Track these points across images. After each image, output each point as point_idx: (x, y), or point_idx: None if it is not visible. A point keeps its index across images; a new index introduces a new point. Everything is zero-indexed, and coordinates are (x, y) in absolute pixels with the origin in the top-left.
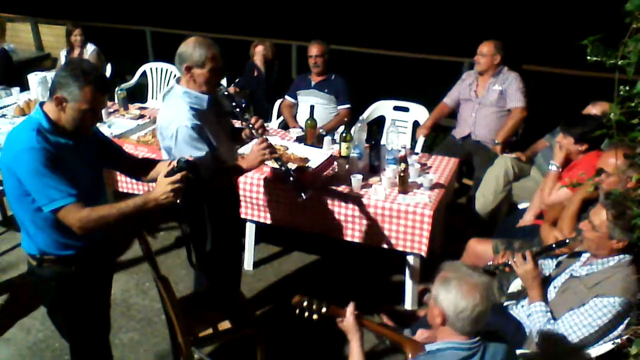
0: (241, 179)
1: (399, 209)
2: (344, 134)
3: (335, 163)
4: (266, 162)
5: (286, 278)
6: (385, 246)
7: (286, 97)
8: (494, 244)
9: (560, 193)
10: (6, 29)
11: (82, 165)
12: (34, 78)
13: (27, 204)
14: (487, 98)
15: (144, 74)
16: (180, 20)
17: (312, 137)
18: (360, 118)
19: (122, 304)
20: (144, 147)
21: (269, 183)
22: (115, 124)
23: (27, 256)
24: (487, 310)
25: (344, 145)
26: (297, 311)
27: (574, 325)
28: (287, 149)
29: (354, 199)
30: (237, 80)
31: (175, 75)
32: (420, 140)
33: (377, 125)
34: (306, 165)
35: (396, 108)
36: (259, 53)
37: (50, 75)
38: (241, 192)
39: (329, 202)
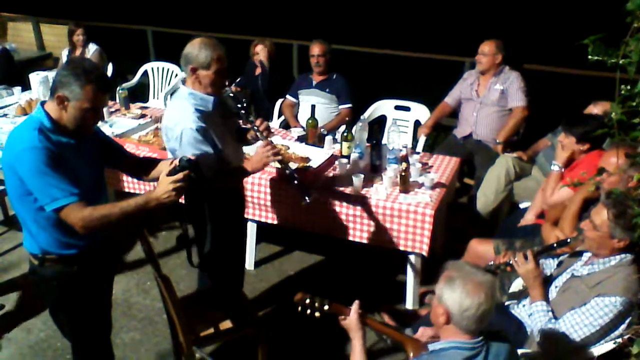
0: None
1: (400, 208)
2: (345, 134)
3: (337, 163)
4: (271, 164)
5: (287, 278)
6: (386, 246)
7: (287, 96)
8: (495, 244)
9: (562, 193)
10: (8, 29)
11: (84, 164)
12: (35, 77)
13: (29, 203)
14: (488, 97)
15: (145, 73)
16: (181, 20)
17: (314, 136)
18: (362, 117)
19: (124, 304)
20: (145, 147)
21: (270, 183)
22: (116, 124)
23: (28, 255)
24: (491, 309)
25: (345, 144)
26: (300, 308)
27: (575, 325)
28: (288, 148)
29: (355, 198)
30: (237, 80)
31: (176, 75)
32: (422, 140)
33: (378, 125)
34: (307, 165)
35: (397, 107)
36: (259, 52)
37: (51, 74)
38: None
39: (330, 202)
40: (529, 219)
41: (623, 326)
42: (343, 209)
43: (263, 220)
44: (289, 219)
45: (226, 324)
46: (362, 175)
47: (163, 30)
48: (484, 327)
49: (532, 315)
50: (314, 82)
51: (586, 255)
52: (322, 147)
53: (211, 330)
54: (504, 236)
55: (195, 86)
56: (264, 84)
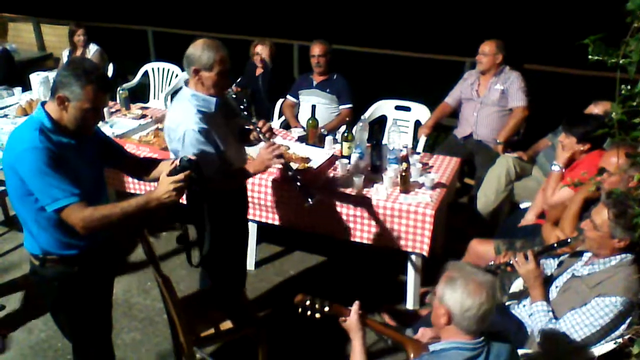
0: None
1: (401, 208)
2: (345, 134)
3: (337, 163)
4: (273, 166)
5: (288, 278)
6: (387, 246)
7: (288, 96)
8: (496, 244)
9: (563, 193)
10: (8, 29)
11: (84, 164)
12: (36, 78)
13: (29, 203)
14: (488, 97)
15: (145, 73)
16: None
17: (314, 136)
18: (362, 117)
19: (124, 304)
20: (146, 147)
21: (272, 183)
22: (117, 124)
23: (29, 256)
24: (492, 309)
25: (345, 144)
26: (300, 310)
27: (576, 325)
28: (289, 148)
29: (356, 198)
30: (238, 80)
31: (177, 75)
32: (422, 140)
33: (378, 125)
34: (308, 165)
35: (398, 107)
36: (259, 52)
37: (52, 75)
38: None
39: (331, 202)
40: (529, 219)
41: (623, 326)
42: (343, 210)
43: (264, 220)
44: (290, 219)
45: (226, 325)
46: (363, 176)
47: (163, 31)
48: (485, 328)
49: (533, 315)
50: (315, 83)
51: (586, 255)
52: (323, 147)
53: (212, 331)
54: (504, 236)
55: (197, 87)
56: (265, 84)
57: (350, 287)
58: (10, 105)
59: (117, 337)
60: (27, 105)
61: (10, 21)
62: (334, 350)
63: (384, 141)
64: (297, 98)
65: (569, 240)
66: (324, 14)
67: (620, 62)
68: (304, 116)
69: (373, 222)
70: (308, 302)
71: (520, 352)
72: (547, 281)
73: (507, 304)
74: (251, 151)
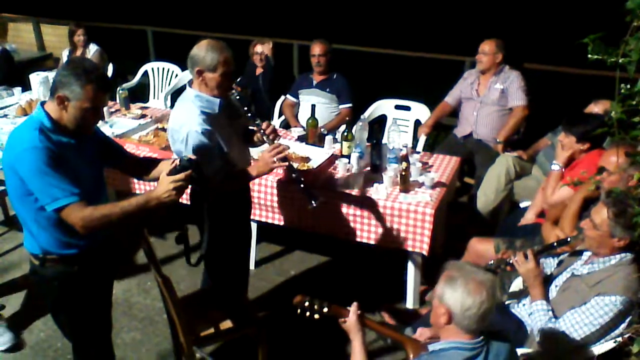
0: None
1: (401, 207)
2: (345, 133)
3: (337, 162)
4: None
5: (288, 277)
6: (387, 245)
7: (288, 96)
8: (496, 243)
9: (563, 192)
10: (8, 29)
11: (84, 164)
12: (35, 78)
13: (29, 203)
14: (488, 97)
15: (145, 73)
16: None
17: (314, 136)
18: (362, 117)
19: (124, 304)
20: (146, 147)
21: (272, 183)
22: (116, 124)
23: (29, 256)
24: (492, 308)
25: (345, 144)
26: (299, 311)
27: (576, 324)
28: (289, 148)
29: (356, 198)
30: (238, 80)
31: (176, 75)
32: (422, 139)
33: (378, 124)
34: (308, 165)
35: (398, 107)
36: (258, 52)
37: (52, 75)
38: None
39: (331, 202)
40: (529, 218)
41: (623, 325)
42: (343, 209)
43: (263, 220)
44: (291, 219)
45: (226, 324)
46: (363, 175)
47: (163, 31)
48: (485, 327)
49: (533, 314)
50: (315, 82)
51: (586, 254)
52: (323, 146)
53: (211, 330)
54: (504, 235)
55: (201, 88)
56: (266, 83)
57: (351, 286)
58: (10, 105)
59: (117, 336)
60: (26, 105)
61: (10, 21)
62: (334, 350)
63: (384, 140)
64: (297, 97)
65: (568, 239)
66: (324, 14)
67: (620, 61)
68: (303, 116)
69: (373, 222)
70: (307, 303)
71: (520, 351)
72: (547, 280)
73: (506, 303)
74: (254, 151)
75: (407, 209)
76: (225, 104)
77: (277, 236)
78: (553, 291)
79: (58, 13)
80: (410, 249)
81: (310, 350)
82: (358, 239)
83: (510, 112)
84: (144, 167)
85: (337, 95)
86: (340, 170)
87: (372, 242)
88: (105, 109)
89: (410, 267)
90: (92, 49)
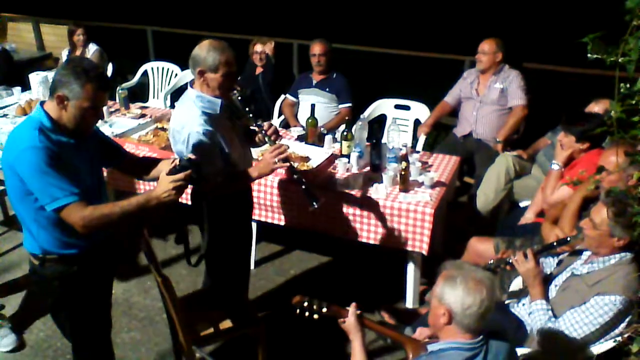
0: None
1: (400, 207)
2: (345, 133)
3: (336, 162)
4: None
5: (287, 277)
6: (386, 244)
7: (287, 95)
8: (495, 243)
9: (562, 191)
10: (8, 29)
11: (84, 164)
12: (35, 78)
13: (29, 203)
14: (488, 96)
15: (145, 73)
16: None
17: (313, 136)
18: (361, 116)
19: (124, 304)
20: (145, 147)
21: (271, 183)
22: (116, 123)
23: (29, 255)
24: (492, 306)
25: (345, 144)
26: (298, 311)
27: (575, 324)
28: (288, 147)
29: (355, 198)
30: (237, 79)
31: (176, 75)
32: (422, 139)
33: (378, 124)
34: (308, 164)
35: (397, 106)
36: (258, 51)
37: (51, 74)
38: None
39: (330, 201)
40: (528, 217)
41: (623, 325)
42: (343, 209)
43: (262, 219)
44: (290, 219)
45: (226, 324)
46: (362, 175)
47: (163, 30)
48: (484, 327)
49: (532, 314)
50: (314, 82)
51: (586, 254)
52: (322, 146)
53: (211, 330)
54: (504, 235)
55: (203, 89)
56: (266, 83)
57: (350, 285)
58: (9, 105)
59: (116, 336)
60: (26, 105)
61: (9, 21)
62: (334, 349)
63: (384, 140)
64: (297, 97)
65: (568, 239)
66: (323, 13)
67: (619, 60)
68: (303, 115)
69: (373, 221)
70: (306, 304)
71: (520, 351)
72: (547, 280)
73: (506, 302)
74: (254, 151)
75: (407, 209)
76: (226, 104)
77: (277, 236)
78: (553, 291)
79: (57, 13)
80: (409, 248)
81: (310, 349)
82: (358, 239)
83: (509, 111)
84: (144, 166)
85: (336, 95)
86: (340, 169)
87: (371, 241)
88: (104, 108)
89: (410, 267)
90: (92, 49)
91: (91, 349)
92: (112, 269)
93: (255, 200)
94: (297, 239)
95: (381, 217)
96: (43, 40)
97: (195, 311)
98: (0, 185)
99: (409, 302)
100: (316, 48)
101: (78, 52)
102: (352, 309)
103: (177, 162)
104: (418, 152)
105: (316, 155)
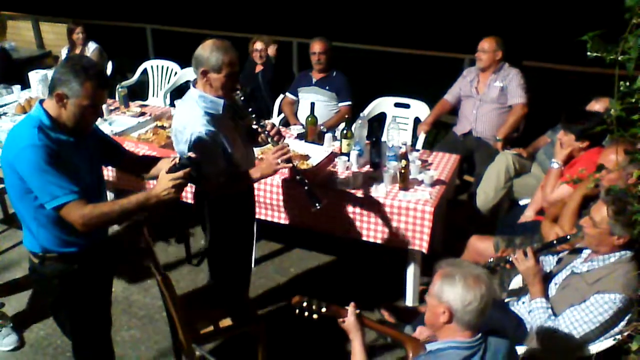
0: None
1: (400, 205)
2: (344, 131)
3: (336, 160)
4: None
5: (287, 275)
6: (386, 243)
7: (287, 94)
8: (495, 241)
9: (562, 190)
10: (7, 27)
11: (83, 162)
12: (34, 76)
13: (29, 201)
14: (488, 95)
15: (144, 71)
16: (180, 18)
17: (313, 134)
18: (361, 115)
19: (124, 302)
20: (145, 145)
21: (271, 181)
22: (116, 122)
23: (29, 254)
24: (491, 301)
25: (344, 142)
26: (297, 311)
27: (575, 322)
28: (288, 146)
29: (355, 196)
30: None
31: (175, 73)
32: (421, 137)
33: (378, 122)
34: (308, 163)
35: (397, 105)
36: (257, 49)
37: (50, 73)
38: None
39: (330, 200)
40: (528, 215)
41: (622, 323)
42: (343, 207)
43: (262, 218)
44: (290, 218)
45: (226, 322)
46: (362, 173)
47: (162, 28)
48: (483, 323)
49: (532, 312)
50: (314, 80)
51: (586, 252)
52: (322, 144)
53: (211, 328)
54: (503, 233)
55: (205, 89)
56: (265, 81)
57: (351, 284)
58: (9, 103)
59: (116, 334)
60: (26, 103)
61: (9, 19)
62: (334, 348)
63: (383, 138)
64: (297, 95)
65: (568, 237)
66: (323, 11)
67: (619, 58)
68: (303, 113)
69: (372, 220)
70: (305, 304)
71: (520, 349)
72: (547, 278)
73: (506, 300)
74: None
75: (407, 207)
76: (229, 104)
77: (276, 234)
78: (552, 289)
79: (57, 11)
80: (409, 246)
81: (310, 348)
82: (358, 237)
83: (509, 109)
84: (144, 165)
85: (336, 93)
86: (340, 168)
87: (371, 239)
88: (104, 106)
89: (410, 265)
90: (91, 47)
91: (91, 347)
92: (112, 267)
93: (255, 198)
94: (297, 237)
95: (381, 216)
96: (42, 39)
97: (195, 309)
98: None
99: (409, 301)
100: (316, 46)
101: (77, 51)
102: (351, 309)
103: (177, 160)
104: (418, 150)
105: (316, 154)
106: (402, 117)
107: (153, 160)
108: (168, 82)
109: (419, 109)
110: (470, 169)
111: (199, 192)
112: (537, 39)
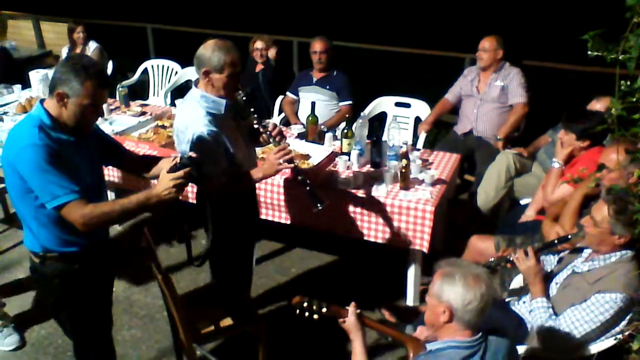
0: None
1: (401, 205)
2: (345, 131)
3: (337, 160)
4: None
5: (288, 275)
6: (387, 242)
7: (287, 93)
8: (496, 241)
9: (563, 189)
10: (8, 27)
11: (84, 161)
12: (35, 75)
13: (29, 200)
14: (488, 94)
15: (145, 71)
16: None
17: (314, 133)
18: (362, 114)
19: (125, 301)
20: (145, 144)
21: (272, 180)
22: (116, 121)
23: (29, 253)
24: (491, 300)
25: (345, 141)
26: (297, 312)
27: (576, 321)
28: (289, 145)
29: (356, 196)
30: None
31: (176, 72)
32: (422, 136)
33: (378, 122)
34: (308, 162)
35: (398, 104)
36: (258, 48)
37: (51, 72)
38: None
39: (330, 199)
40: (529, 215)
41: (623, 322)
42: (344, 207)
43: (264, 217)
44: (291, 217)
45: (227, 321)
46: (363, 173)
47: (163, 28)
48: (483, 322)
49: (533, 311)
50: (315, 79)
51: (587, 252)
52: (322, 144)
53: (212, 328)
54: (504, 232)
55: (207, 89)
56: (265, 81)
57: (351, 283)
58: (9, 103)
59: (117, 333)
60: (26, 102)
61: (9, 18)
62: (334, 348)
63: (384, 138)
64: (297, 95)
65: (569, 236)
66: (323, 11)
67: (620, 57)
68: (303, 113)
69: (373, 219)
70: (305, 304)
71: (520, 348)
72: (547, 278)
73: (507, 300)
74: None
75: (408, 207)
76: (231, 104)
77: (277, 234)
78: (553, 288)
79: (57, 10)
80: (410, 246)
81: (311, 347)
82: (359, 237)
83: (510, 109)
84: (144, 164)
85: (337, 93)
86: (341, 167)
87: (372, 239)
88: (105, 106)
89: (411, 265)
90: (92, 47)
91: (92, 347)
92: (113, 267)
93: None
94: (298, 237)
95: (382, 215)
96: (43, 38)
97: (196, 309)
98: (0, 183)
99: (410, 300)
100: (317, 45)
101: (78, 50)
102: (351, 309)
103: (177, 160)
104: (418, 149)
105: (316, 153)
106: (403, 116)
107: (154, 160)
108: (169, 82)
109: (420, 108)
110: (471, 169)
111: (201, 192)
112: (537, 38)
